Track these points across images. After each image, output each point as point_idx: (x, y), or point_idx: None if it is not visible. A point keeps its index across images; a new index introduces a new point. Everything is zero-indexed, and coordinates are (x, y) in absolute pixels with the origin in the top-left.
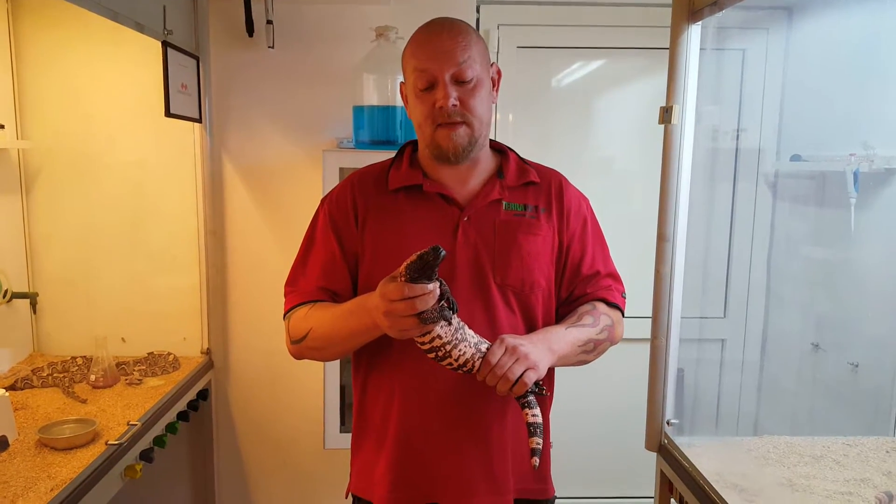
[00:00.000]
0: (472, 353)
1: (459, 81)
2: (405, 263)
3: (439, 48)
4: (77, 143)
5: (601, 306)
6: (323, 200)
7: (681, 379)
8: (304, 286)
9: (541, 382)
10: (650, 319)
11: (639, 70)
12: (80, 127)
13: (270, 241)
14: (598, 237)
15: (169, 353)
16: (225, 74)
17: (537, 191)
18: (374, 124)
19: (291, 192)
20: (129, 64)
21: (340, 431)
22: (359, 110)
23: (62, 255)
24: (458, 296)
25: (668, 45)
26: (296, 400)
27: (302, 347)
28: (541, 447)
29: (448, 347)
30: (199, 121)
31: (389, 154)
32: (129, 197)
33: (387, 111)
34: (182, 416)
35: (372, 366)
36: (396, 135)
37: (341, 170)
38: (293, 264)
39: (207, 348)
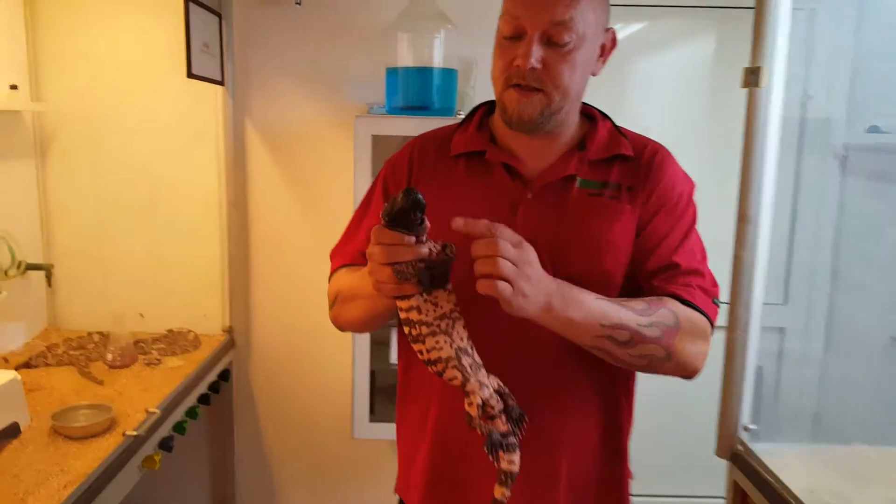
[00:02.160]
0: (449, 357)
1: (552, 42)
2: (385, 205)
3: None
4: (94, 106)
5: (671, 302)
6: (385, 164)
7: (759, 378)
8: (349, 250)
9: (507, 396)
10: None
11: (682, 32)
12: (97, 89)
13: (296, 213)
14: (690, 230)
15: (189, 331)
16: (249, 33)
17: (627, 166)
18: (408, 88)
19: (319, 161)
20: (149, 22)
21: (370, 421)
22: (392, 73)
23: (78, 225)
24: None
25: (718, 3)
26: (322, 382)
27: (334, 313)
28: (506, 500)
29: (423, 330)
30: (222, 83)
31: (425, 122)
32: (148, 164)
33: (423, 73)
34: (203, 399)
35: (413, 353)
36: (433, 100)
37: (374, 137)
38: (344, 230)
39: (229, 326)
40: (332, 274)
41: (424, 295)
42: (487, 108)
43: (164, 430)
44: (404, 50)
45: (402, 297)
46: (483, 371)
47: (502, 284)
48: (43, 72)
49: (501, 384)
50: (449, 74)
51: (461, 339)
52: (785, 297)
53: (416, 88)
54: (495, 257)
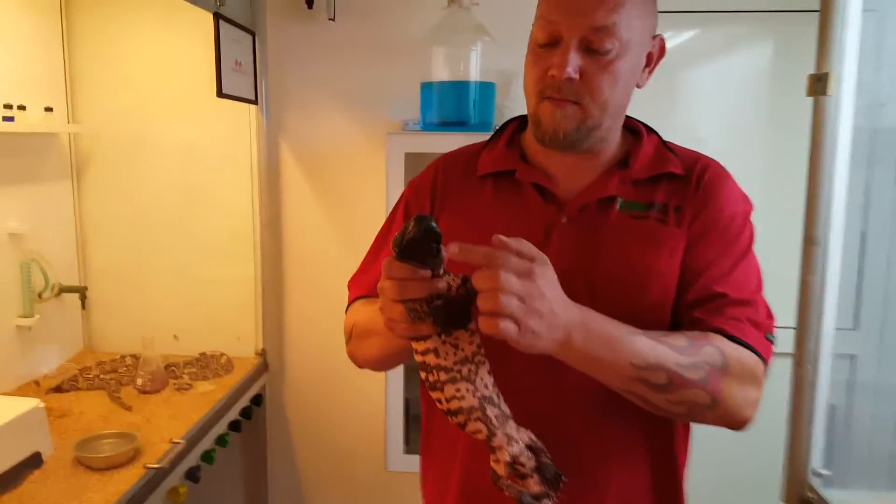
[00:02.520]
0: (472, 408)
1: (591, 49)
2: (395, 235)
3: None
4: (128, 127)
5: (717, 338)
6: (407, 186)
7: (831, 415)
8: (367, 279)
9: (541, 452)
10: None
11: (735, 39)
12: (132, 109)
13: (330, 233)
14: (743, 256)
15: (222, 354)
16: (282, 51)
17: (676, 185)
18: (443, 103)
19: (353, 180)
20: (184, 41)
21: (405, 452)
22: (427, 87)
23: (113, 246)
24: None
25: (775, 7)
26: (357, 407)
27: (350, 348)
28: None
29: (442, 376)
30: (255, 102)
31: (461, 138)
32: (182, 184)
33: (458, 87)
34: (234, 425)
35: (431, 415)
36: (468, 115)
37: (407, 155)
38: (364, 258)
39: (262, 349)
40: (349, 305)
41: (443, 336)
42: (519, 123)
43: (192, 460)
44: (440, 64)
45: (418, 339)
46: (512, 423)
47: (504, 323)
48: (79, 93)
49: (534, 438)
50: (486, 88)
51: (486, 387)
52: (855, 321)
53: (452, 103)
54: (496, 291)
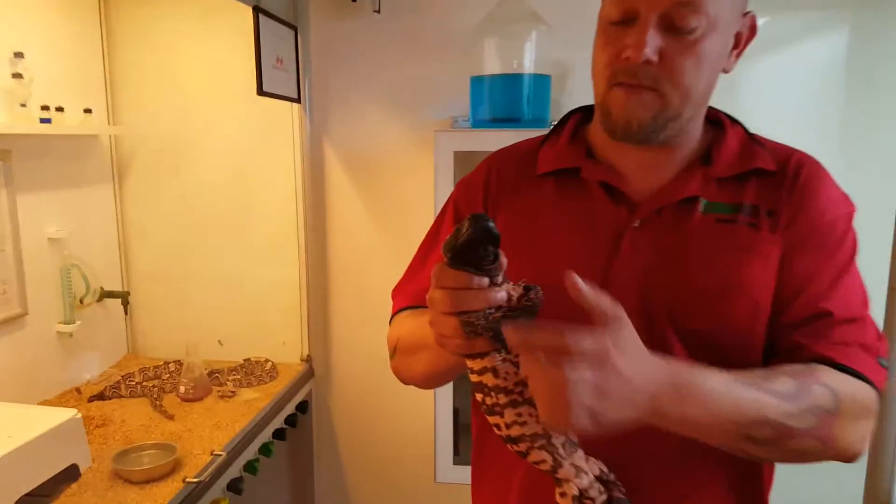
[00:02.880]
0: (535, 434)
1: (673, 28)
2: (447, 238)
3: None
4: (170, 128)
5: (824, 372)
6: (456, 186)
7: None
8: (412, 288)
9: (614, 486)
10: None
11: (808, 25)
12: (174, 110)
13: (376, 237)
14: (847, 266)
15: (266, 361)
16: (325, 46)
17: (768, 184)
18: (495, 98)
19: (400, 181)
20: (224, 38)
21: (454, 463)
22: (477, 82)
23: (156, 250)
24: None
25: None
26: (404, 417)
27: (396, 363)
28: None
29: (501, 399)
30: (298, 100)
31: (514, 135)
32: (225, 187)
33: (511, 81)
34: (278, 434)
35: (485, 431)
36: (522, 110)
37: (456, 154)
38: (409, 265)
39: (308, 355)
40: (392, 316)
41: (503, 353)
42: (583, 114)
43: (234, 471)
44: (491, 56)
45: (474, 356)
46: (580, 452)
47: (577, 417)
48: (119, 94)
49: (605, 469)
50: (542, 81)
51: None
52: None
53: (505, 98)
54: (564, 385)
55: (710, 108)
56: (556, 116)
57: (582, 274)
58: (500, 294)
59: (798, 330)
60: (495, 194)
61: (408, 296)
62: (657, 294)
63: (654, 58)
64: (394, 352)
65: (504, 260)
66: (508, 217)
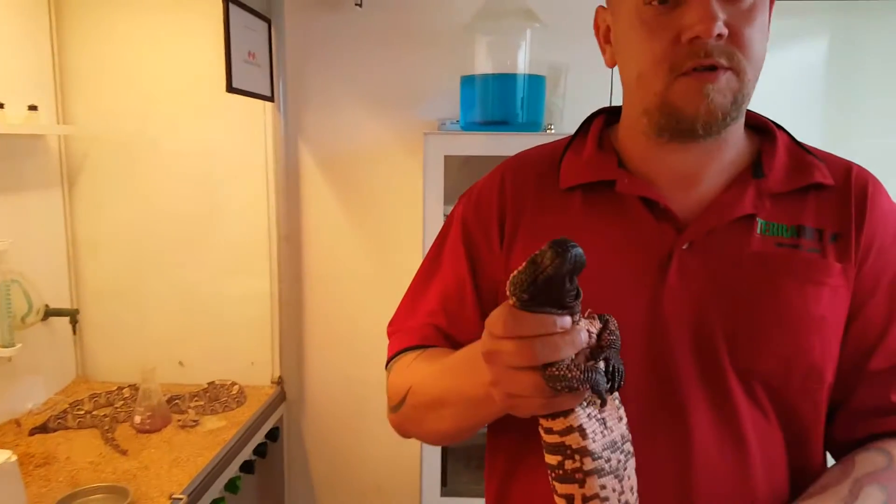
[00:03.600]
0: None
1: None
2: (512, 275)
3: None
4: (128, 128)
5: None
6: (461, 199)
7: None
8: (415, 324)
9: None
10: None
11: (788, 31)
12: (132, 108)
13: (356, 248)
14: None
15: (233, 384)
16: (302, 41)
17: (827, 202)
18: (487, 99)
19: (384, 187)
20: (191, 29)
21: (441, 495)
22: (468, 82)
23: (110, 262)
24: (668, 383)
25: None
26: (386, 444)
27: (402, 417)
28: None
29: (587, 464)
30: (272, 99)
31: (506, 139)
32: (189, 193)
33: (504, 81)
34: (246, 466)
35: (511, 474)
36: (515, 112)
37: (447, 158)
38: (406, 293)
39: (279, 377)
40: (391, 358)
41: (587, 408)
42: (605, 118)
43: None
44: (482, 55)
45: (556, 415)
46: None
47: None
48: (70, 91)
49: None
50: (536, 82)
51: (631, 491)
52: None
53: (497, 100)
54: None
55: (751, 112)
56: (549, 120)
57: (626, 307)
58: (584, 334)
59: (878, 388)
60: (514, 212)
61: (412, 334)
62: (714, 329)
63: (725, 30)
64: (401, 403)
65: (581, 292)
66: (532, 239)
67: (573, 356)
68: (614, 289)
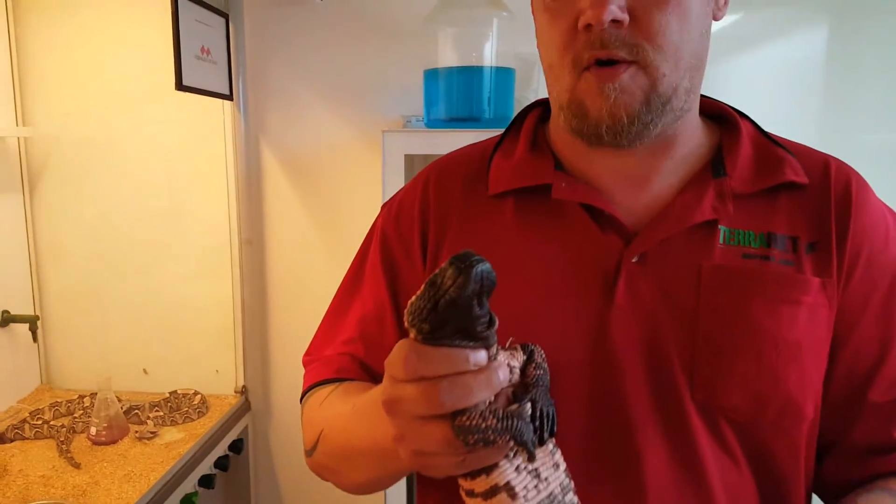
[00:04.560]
0: None
1: None
2: (410, 301)
3: None
4: (89, 130)
5: None
6: (382, 208)
7: None
8: (331, 355)
9: None
10: None
11: (783, 24)
12: (93, 110)
13: (321, 252)
14: None
15: (195, 394)
16: (262, 37)
17: (801, 203)
18: (451, 94)
19: (348, 189)
20: (151, 28)
21: None
22: (431, 76)
23: (73, 268)
24: (617, 422)
25: None
26: None
27: (316, 464)
28: None
29: None
30: (230, 97)
31: (473, 137)
32: (150, 196)
33: (469, 75)
34: (205, 481)
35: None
36: (482, 108)
37: (407, 157)
38: (325, 315)
39: (243, 386)
40: (305, 392)
41: (515, 458)
42: (542, 111)
43: None
44: (447, 47)
45: (476, 473)
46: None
47: None
48: (31, 92)
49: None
50: (504, 76)
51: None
52: None
53: (462, 95)
54: None
55: (709, 99)
56: None
57: (566, 333)
58: (503, 371)
59: (879, 423)
60: (437, 223)
61: (328, 365)
62: (671, 358)
63: (623, 15)
64: (314, 448)
65: (496, 318)
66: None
67: (490, 399)
68: (551, 311)
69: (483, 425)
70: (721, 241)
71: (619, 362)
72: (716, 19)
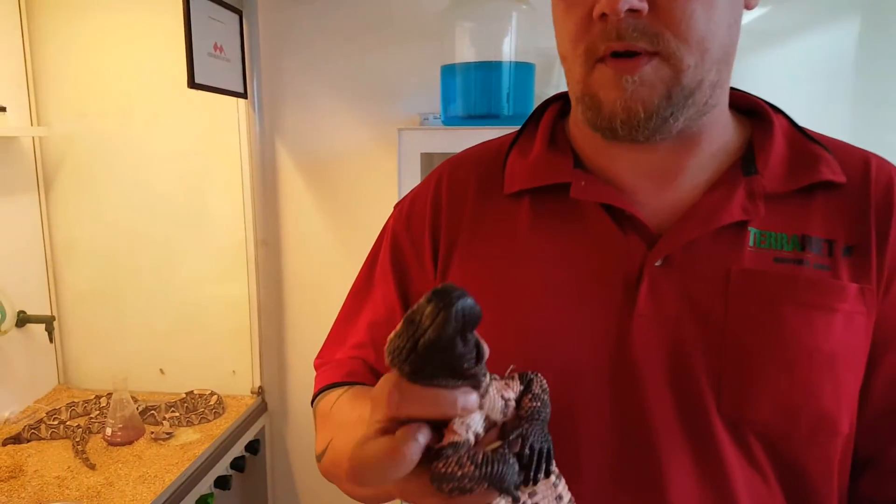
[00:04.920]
0: None
1: None
2: (389, 338)
3: None
4: (105, 130)
5: None
6: (395, 207)
7: None
8: (341, 357)
9: None
10: None
11: (813, 17)
12: (108, 108)
13: (337, 252)
14: None
15: (212, 394)
16: (278, 34)
17: (837, 204)
18: (469, 91)
19: (364, 188)
20: (167, 26)
21: None
22: (449, 72)
23: (90, 268)
24: (639, 437)
25: None
26: None
27: (325, 471)
28: None
29: None
30: (244, 95)
31: (491, 135)
32: (166, 196)
33: (488, 71)
34: (221, 482)
35: None
36: (501, 105)
37: (424, 156)
38: (337, 317)
39: (259, 387)
40: (316, 395)
41: (506, 499)
42: (561, 105)
43: None
44: (465, 42)
45: None
46: None
47: None
48: (45, 92)
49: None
50: (524, 71)
51: None
52: None
53: (480, 91)
54: None
55: (740, 92)
56: None
57: (585, 342)
58: (498, 405)
59: None
60: (449, 223)
61: (338, 369)
62: (696, 369)
63: (641, 4)
64: (322, 454)
65: (486, 349)
66: (469, 259)
67: (471, 441)
68: (568, 319)
69: (459, 473)
70: (751, 243)
71: (641, 373)
72: (748, 8)
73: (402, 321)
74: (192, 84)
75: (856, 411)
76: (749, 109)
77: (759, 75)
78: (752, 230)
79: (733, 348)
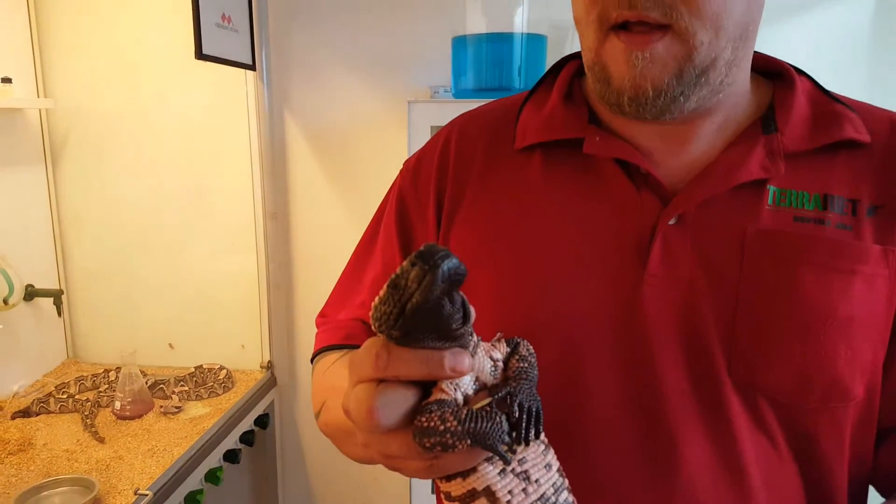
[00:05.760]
0: None
1: None
2: (374, 303)
3: None
4: (112, 101)
5: None
6: (403, 166)
7: None
8: (344, 317)
9: None
10: None
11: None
12: (115, 81)
13: (346, 225)
14: None
15: (221, 368)
16: (285, 4)
17: (862, 164)
18: (481, 63)
19: (373, 161)
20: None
21: (432, 491)
22: (460, 43)
23: (98, 242)
24: (647, 401)
25: None
26: None
27: (321, 424)
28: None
29: None
30: (252, 67)
31: None
32: (174, 169)
33: (500, 42)
34: (230, 456)
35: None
36: (512, 77)
37: (434, 129)
38: (341, 275)
39: (269, 361)
40: (315, 355)
41: (496, 461)
42: (579, 63)
43: None
44: (477, 13)
45: (452, 477)
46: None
47: None
48: (50, 63)
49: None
50: (536, 43)
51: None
52: None
53: (491, 63)
54: None
55: (763, 55)
56: None
57: (594, 301)
58: (484, 365)
59: None
60: (456, 182)
61: (337, 330)
62: (708, 331)
63: None
64: (318, 415)
65: (472, 310)
66: (476, 214)
67: (459, 399)
68: (577, 278)
69: (441, 427)
70: (770, 202)
71: (652, 334)
72: None
73: (385, 286)
74: (200, 55)
75: (875, 376)
76: (772, 71)
77: (772, 49)
78: (771, 188)
79: (746, 311)
